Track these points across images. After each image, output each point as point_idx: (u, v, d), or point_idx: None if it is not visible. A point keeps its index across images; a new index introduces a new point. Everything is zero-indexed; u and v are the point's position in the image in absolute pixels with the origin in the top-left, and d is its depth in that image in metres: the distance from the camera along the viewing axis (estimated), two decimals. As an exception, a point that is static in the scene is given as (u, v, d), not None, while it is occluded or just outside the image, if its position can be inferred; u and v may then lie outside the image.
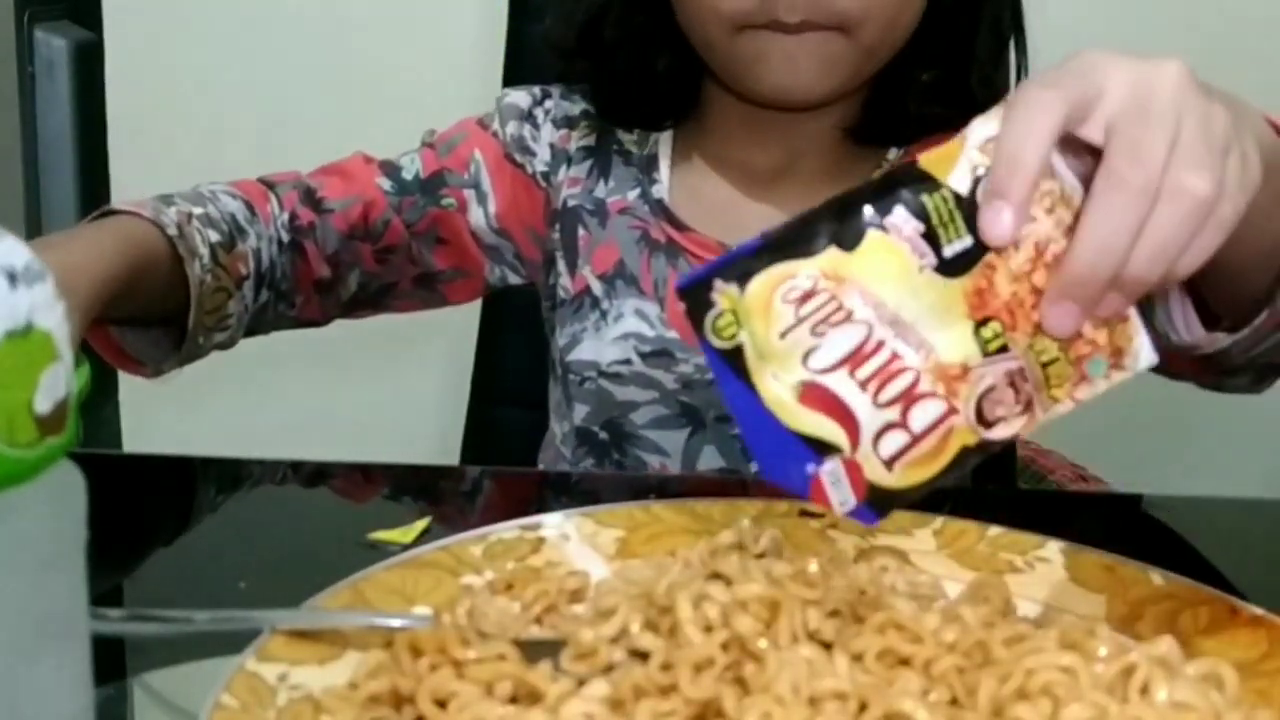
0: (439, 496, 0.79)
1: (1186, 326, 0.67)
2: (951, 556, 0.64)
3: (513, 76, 1.16)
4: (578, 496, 0.81)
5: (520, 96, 0.97)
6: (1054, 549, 0.64)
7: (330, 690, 0.50)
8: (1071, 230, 0.49)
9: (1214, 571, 0.64)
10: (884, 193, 0.48)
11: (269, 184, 0.93)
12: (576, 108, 0.96)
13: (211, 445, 0.82)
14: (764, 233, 0.49)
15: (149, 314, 0.81)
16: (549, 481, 0.89)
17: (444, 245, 0.95)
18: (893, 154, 0.90)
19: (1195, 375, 0.75)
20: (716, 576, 0.55)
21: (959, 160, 0.48)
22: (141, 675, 0.55)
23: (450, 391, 1.36)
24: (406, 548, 0.64)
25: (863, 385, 0.49)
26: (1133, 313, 0.50)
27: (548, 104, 0.97)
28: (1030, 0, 0.92)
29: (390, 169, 0.95)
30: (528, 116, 0.96)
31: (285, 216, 0.91)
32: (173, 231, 0.78)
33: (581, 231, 0.94)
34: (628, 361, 0.91)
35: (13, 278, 0.34)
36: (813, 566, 0.54)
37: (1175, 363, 0.73)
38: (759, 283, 0.48)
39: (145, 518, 0.73)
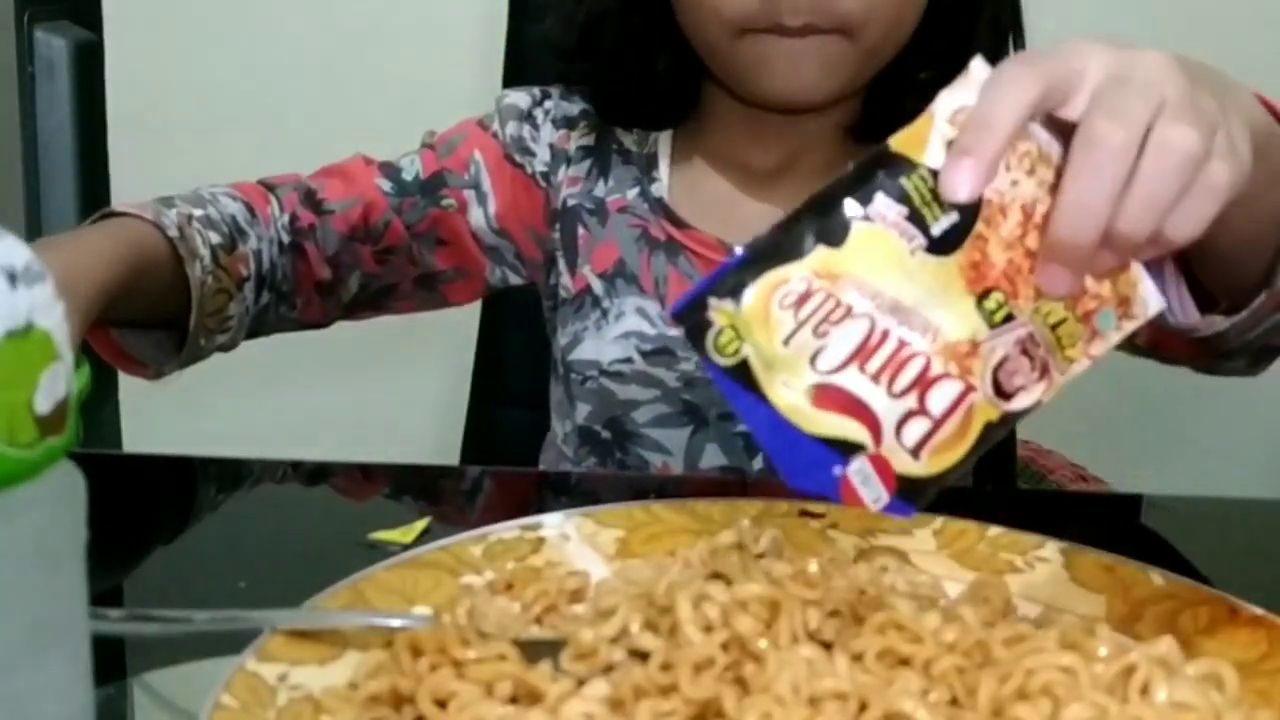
0: (439, 496, 0.79)
1: (1182, 309, 0.67)
2: (951, 556, 0.64)
3: (513, 77, 1.16)
4: (578, 496, 0.81)
5: (520, 97, 0.97)
6: (1054, 549, 0.64)
7: (330, 690, 0.50)
8: (1056, 188, 0.48)
9: (1214, 571, 0.64)
10: (861, 182, 0.48)
11: (269, 186, 0.93)
12: (576, 108, 0.96)
13: (211, 445, 0.82)
14: (748, 244, 0.48)
15: (150, 316, 0.81)
16: (549, 481, 0.89)
17: (444, 246, 0.95)
18: None
19: (1190, 359, 0.75)
20: (716, 576, 0.55)
21: (930, 137, 0.48)
22: (141, 675, 0.55)
23: (450, 391, 1.36)
24: (406, 548, 0.64)
25: (875, 378, 0.48)
26: (1133, 261, 0.49)
27: (547, 104, 0.97)
28: (1029, 1, 0.92)
29: (390, 170, 0.95)
30: (527, 117, 0.96)
31: (286, 218, 0.91)
32: (173, 233, 0.78)
33: (581, 231, 0.94)
34: (629, 360, 0.91)
35: (13, 278, 0.34)
36: (813, 566, 0.54)
37: (1171, 345, 0.74)
38: (753, 293, 0.48)
39: (145, 518, 0.73)
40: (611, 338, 0.92)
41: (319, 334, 0.99)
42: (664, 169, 0.94)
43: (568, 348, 0.94)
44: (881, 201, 0.48)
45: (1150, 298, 0.50)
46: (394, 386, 1.72)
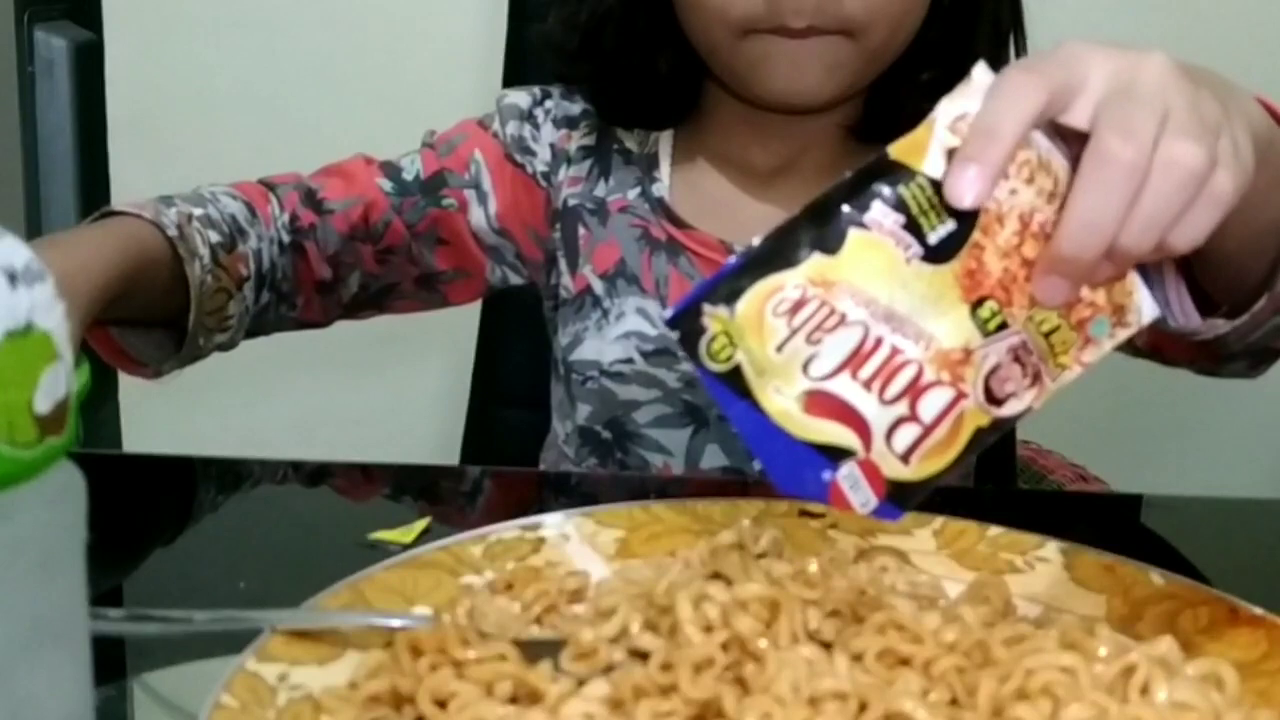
0: (439, 496, 0.79)
1: (1183, 313, 0.67)
2: (951, 556, 0.64)
3: (513, 76, 1.16)
4: (578, 497, 0.81)
5: (520, 97, 0.97)
6: (1054, 549, 0.64)
7: (330, 690, 0.50)
8: (1054, 196, 0.48)
9: (1214, 571, 0.64)
10: (859, 190, 0.48)
11: (269, 185, 0.93)
12: (576, 108, 0.96)
13: (211, 445, 0.82)
14: (744, 250, 0.48)
15: (150, 315, 0.81)
16: (549, 481, 0.89)
17: (445, 246, 0.95)
18: None
19: (1191, 361, 0.75)
20: (716, 576, 0.55)
21: (930, 145, 0.48)
22: (141, 675, 0.55)
23: (450, 391, 1.36)
24: (406, 548, 0.64)
25: (867, 385, 0.48)
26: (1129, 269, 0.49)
27: (548, 104, 0.97)
28: (1030, 1, 0.92)
29: (391, 170, 0.95)
30: (528, 117, 0.96)
31: (286, 218, 0.91)
32: (173, 232, 0.78)
33: (582, 231, 0.94)
34: (630, 360, 0.91)
35: (13, 278, 0.34)
36: (813, 566, 0.54)
37: (1172, 349, 0.74)
38: (747, 301, 0.48)
39: (145, 518, 0.73)
40: (612, 338, 0.92)
41: (318, 334, 0.99)
42: (665, 169, 0.94)
43: (568, 348, 0.94)
44: (879, 209, 0.48)
45: (1145, 305, 0.50)
46: (394, 386, 1.72)
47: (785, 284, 0.48)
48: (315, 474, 0.80)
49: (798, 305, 0.48)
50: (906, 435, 0.49)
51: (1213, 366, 0.74)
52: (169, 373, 0.84)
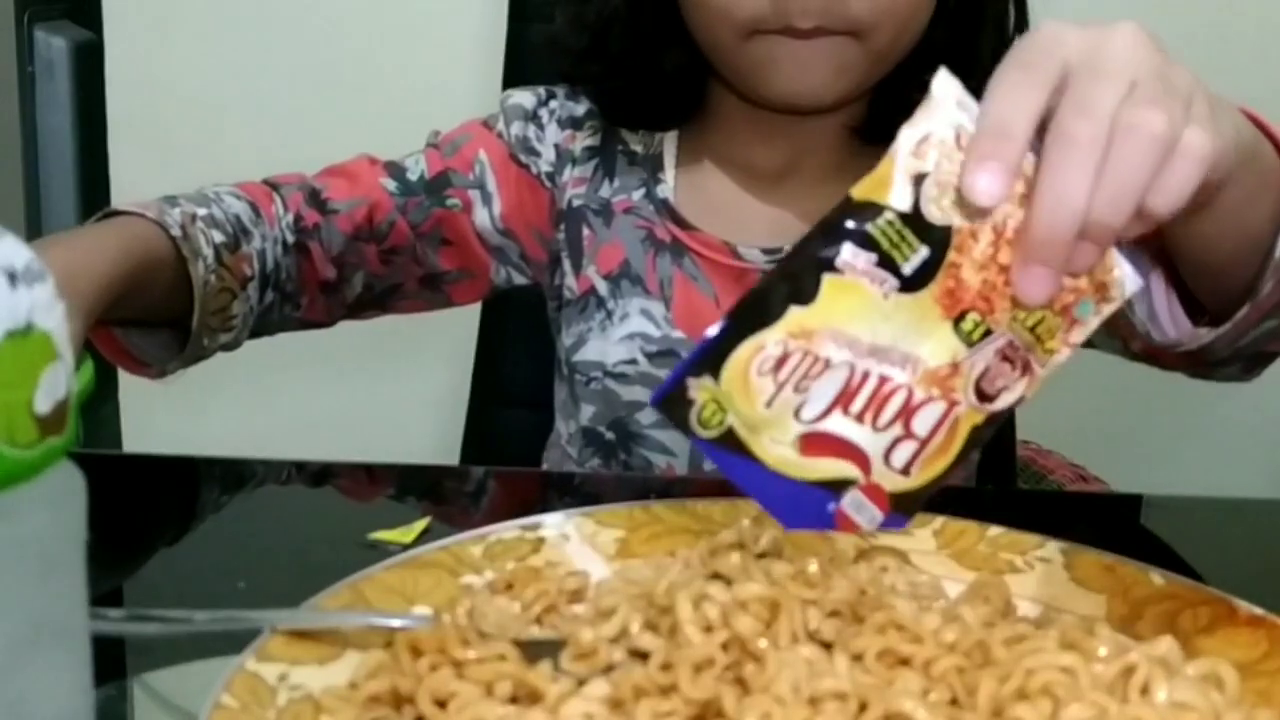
0: (440, 496, 0.79)
1: (1173, 321, 0.67)
2: (951, 556, 0.64)
3: (513, 77, 1.16)
4: (579, 497, 0.81)
5: (525, 97, 0.97)
6: (1054, 549, 0.64)
7: (330, 690, 0.50)
8: (1026, 199, 0.48)
9: (1214, 571, 0.64)
10: (828, 235, 0.48)
11: (273, 185, 0.93)
12: (581, 108, 0.96)
13: (211, 445, 0.82)
14: (722, 318, 0.48)
15: (153, 315, 0.81)
16: (550, 482, 0.89)
17: (449, 246, 0.95)
18: None
19: (1184, 367, 0.75)
20: (716, 576, 0.55)
21: (893, 178, 0.47)
22: (141, 675, 0.55)
23: (451, 391, 1.36)
24: (406, 548, 0.64)
25: (859, 418, 0.49)
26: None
27: (552, 104, 0.97)
28: (1036, 1, 0.92)
29: (395, 170, 0.95)
30: (532, 117, 0.96)
31: (290, 218, 0.91)
32: (176, 232, 0.78)
33: (586, 231, 0.94)
34: (634, 361, 0.91)
35: (13, 278, 0.34)
36: (813, 566, 0.54)
37: (1164, 355, 0.74)
38: (730, 367, 0.48)
39: (145, 518, 0.73)
40: (616, 339, 0.92)
41: (317, 334, 0.99)
42: (669, 170, 0.95)
43: (572, 348, 0.94)
44: (849, 251, 0.47)
45: (1127, 279, 0.49)
46: (394, 386, 1.72)
47: (766, 343, 0.48)
48: (315, 474, 0.80)
49: (781, 361, 0.48)
50: (905, 452, 0.50)
51: (1205, 372, 0.74)
52: (173, 373, 0.84)
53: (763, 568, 0.55)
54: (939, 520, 0.66)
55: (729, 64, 0.87)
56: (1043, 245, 0.47)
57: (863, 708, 0.46)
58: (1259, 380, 0.76)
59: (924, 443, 0.49)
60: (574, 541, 0.64)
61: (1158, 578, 0.61)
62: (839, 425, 0.49)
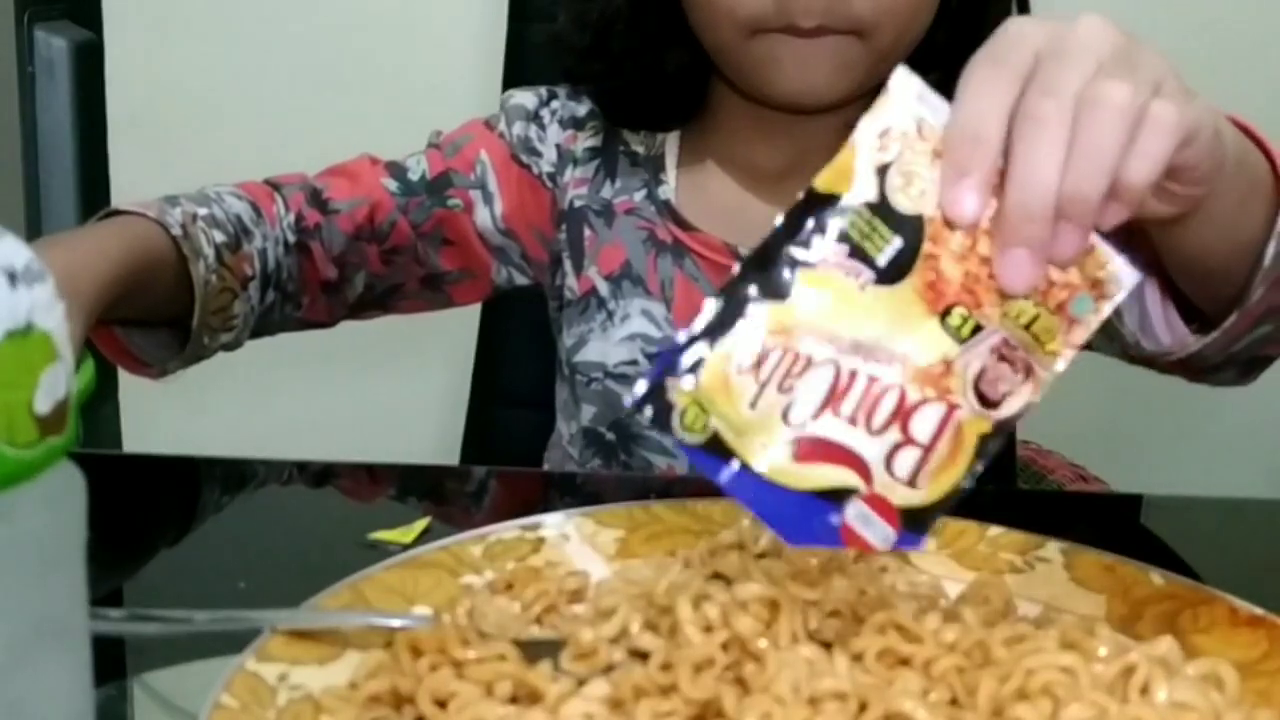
0: (440, 497, 0.79)
1: (1170, 328, 0.67)
2: (951, 556, 0.64)
3: (513, 77, 1.16)
4: (579, 497, 0.81)
5: (526, 97, 0.97)
6: (1054, 549, 0.64)
7: (330, 690, 0.50)
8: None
9: (1214, 571, 0.64)
10: (796, 230, 0.47)
11: (275, 185, 0.93)
12: (583, 108, 0.96)
13: (211, 445, 0.82)
14: (696, 319, 0.47)
15: (154, 315, 0.81)
16: (550, 482, 0.89)
17: (450, 246, 0.95)
18: None
19: (1180, 372, 0.75)
20: (716, 576, 0.55)
21: (855, 168, 0.47)
22: (141, 675, 0.55)
23: (451, 391, 1.36)
24: (406, 548, 0.64)
25: (851, 420, 0.47)
26: (1096, 239, 0.48)
27: (554, 104, 0.97)
28: (1037, 1, 0.92)
29: (396, 170, 0.95)
30: (534, 117, 0.96)
31: (291, 218, 0.91)
32: (177, 232, 0.78)
33: (588, 232, 0.94)
34: (634, 362, 0.91)
35: (13, 278, 0.34)
36: (813, 566, 0.54)
37: (1159, 361, 0.74)
38: (708, 367, 0.47)
39: (145, 518, 0.73)
40: (617, 340, 0.92)
41: (318, 333, 0.99)
42: (671, 171, 0.95)
43: (573, 349, 0.94)
44: (819, 244, 0.47)
45: (1123, 273, 0.48)
46: (394, 386, 1.72)
47: (743, 341, 0.47)
48: (315, 474, 0.80)
49: (760, 359, 0.47)
50: (907, 460, 0.48)
51: (1201, 377, 0.74)
52: (173, 372, 0.84)
53: (763, 568, 0.55)
54: (939, 521, 0.66)
55: (732, 63, 0.87)
56: (1019, 226, 0.46)
57: (863, 708, 0.46)
58: (1258, 381, 0.76)
59: (928, 450, 0.48)
60: (574, 541, 0.64)
61: (1158, 578, 0.61)
62: (832, 429, 0.47)
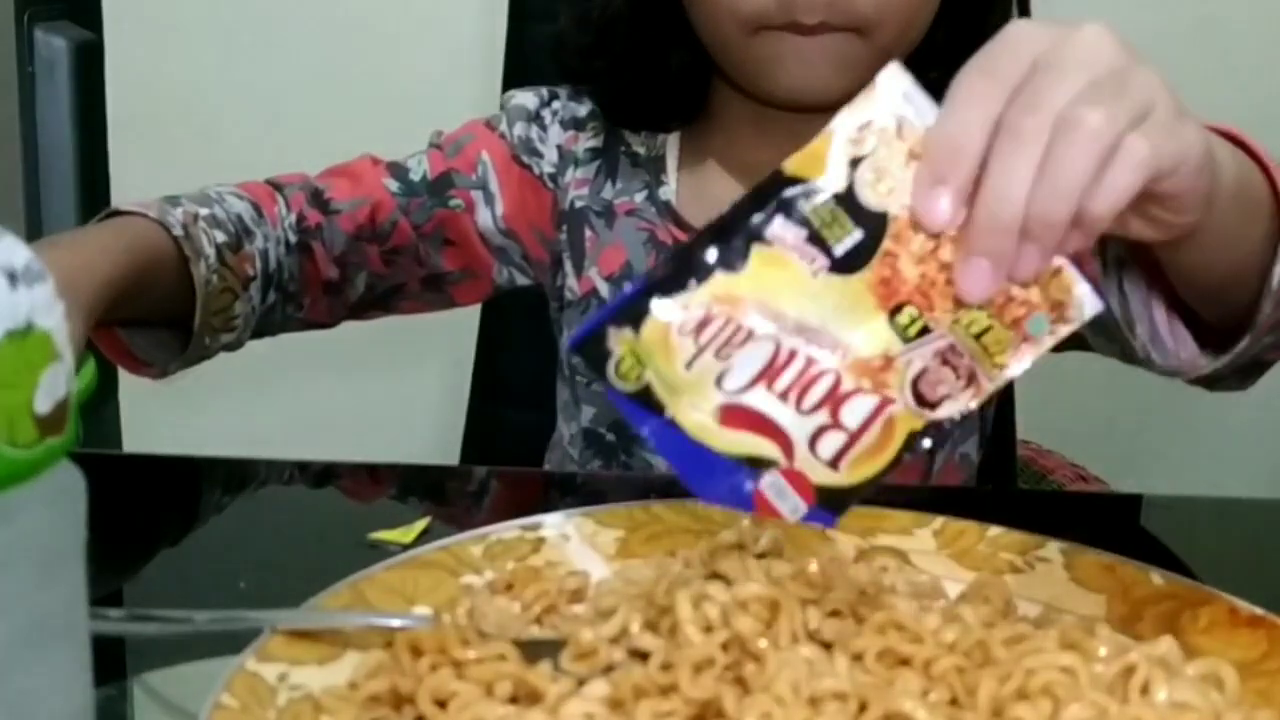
0: (440, 497, 0.79)
1: (1175, 339, 0.67)
2: (951, 556, 0.64)
3: (513, 77, 1.16)
4: (579, 497, 0.81)
5: (527, 98, 0.97)
6: (1054, 549, 0.64)
7: (330, 690, 0.50)
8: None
9: (1214, 571, 0.64)
10: (759, 206, 0.48)
11: (276, 185, 0.93)
12: (584, 109, 0.96)
13: (211, 445, 0.82)
14: (647, 273, 0.48)
15: (155, 315, 0.81)
16: (550, 482, 0.89)
17: (452, 246, 0.95)
18: None
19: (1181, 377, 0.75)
20: (716, 576, 0.55)
21: (829, 157, 0.47)
22: (141, 675, 0.55)
23: (451, 391, 1.36)
24: (406, 548, 0.64)
25: (783, 397, 0.48)
26: (1064, 263, 0.48)
27: (555, 105, 0.97)
28: (1038, 1, 0.92)
29: (397, 170, 0.95)
30: (535, 118, 0.96)
31: (292, 218, 0.91)
32: (178, 232, 0.78)
33: (588, 233, 0.94)
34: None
35: (13, 278, 0.34)
36: (813, 566, 0.54)
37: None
38: (651, 323, 0.48)
39: (145, 518, 0.73)
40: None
41: (319, 333, 0.99)
42: (672, 172, 0.95)
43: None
44: (779, 224, 0.47)
45: (1086, 301, 0.48)
46: (394, 386, 1.72)
47: (689, 303, 0.48)
48: (316, 474, 0.80)
49: (703, 323, 0.48)
50: (832, 442, 0.49)
51: (1199, 384, 0.74)
52: (174, 373, 0.84)
53: (763, 568, 0.55)
54: (939, 520, 0.66)
55: (733, 61, 0.87)
56: (986, 237, 0.46)
57: (863, 708, 0.46)
58: (1259, 382, 0.76)
59: (854, 436, 0.49)
60: (574, 541, 0.64)
61: (1158, 578, 0.61)
62: (761, 401, 0.48)
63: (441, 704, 0.48)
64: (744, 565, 0.56)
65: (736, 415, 0.48)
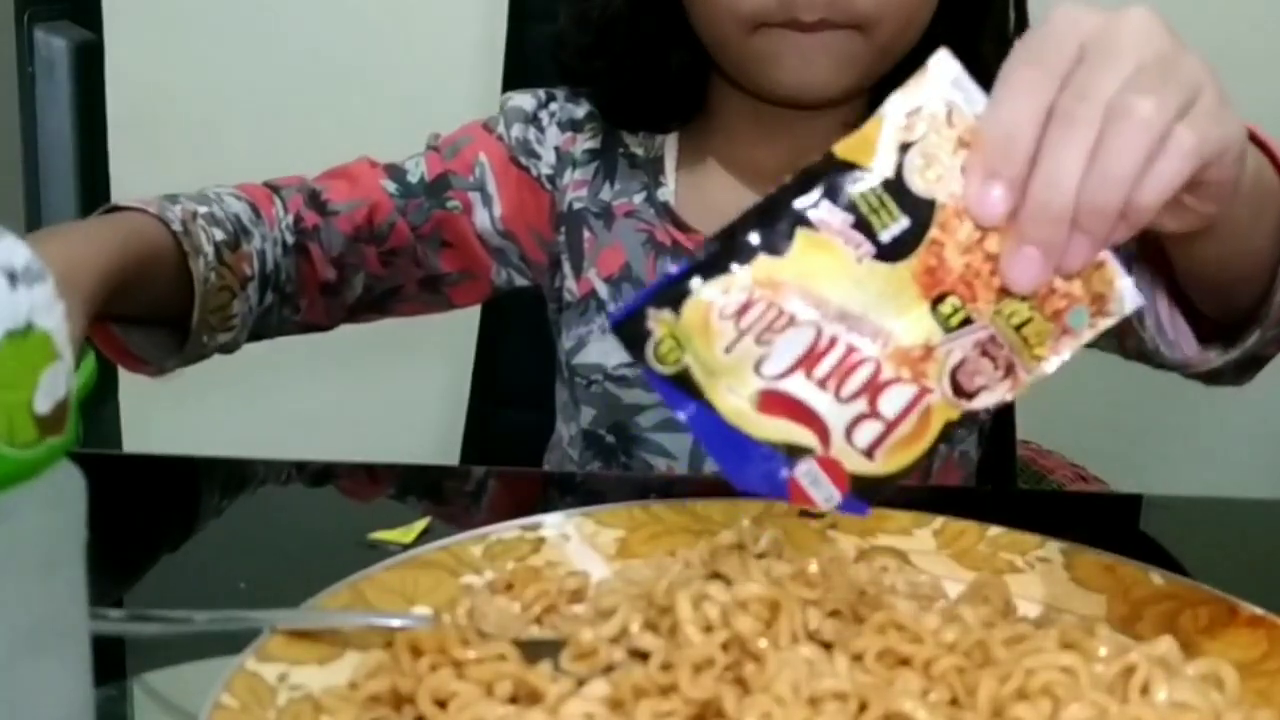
0: (440, 497, 0.79)
1: (1175, 330, 0.67)
2: (951, 556, 0.64)
3: (513, 78, 1.16)
4: (579, 497, 0.81)
5: (525, 99, 0.97)
6: (1054, 549, 0.64)
7: (330, 690, 0.50)
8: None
9: (1214, 571, 0.64)
10: (806, 190, 0.47)
11: (274, 187, 0.93)
12: (581, 110, 0.96)
13: (211, 445, 0.82)
14: (691, 255, 0.48)
15: (153, 312, 0.81)
16: (550, 482, 0.89)
17: (449, 248, 0.95)
18: None
19: (1179, 369, 0.75)
20: (716, 576, 0.55)
21: (879, 143, 0.47)
22: (141, 675, 0.55)
23: (451, 391, 1.36)
24: (406, 548, 0.64)
25: (822, 384, 0.48)
26: (1108, 256, 0.48)
27: (552, 106, 0.97)
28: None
29: (395, 172, 0.95)
30: (532, 119, 0.96)
31: (290, 219, 0.91)
32: (177, 227, 0.78)
33: (587, 234, 0.94)
34: (634, 364, 0.91)
35: (13, 278, 0.34)
36: (813, 566, 0.54)
37: (1154, 359, 0.74)
38: (692, 305, 0.47)
39: (145, 518, 0.73)
40: (616, 342, 0.92)
41: (317, 334, 0.99)
42: (670, 173, 0.95)
43: (573, 351, 0.94)
44: (826, 209, 0.47)
45: (1127, 295, 0.48)
46: (394, 386, 1.72)
47: (731, 286, 0.47)
48: (316, 474, 0.80)
49: (745, 307, 0.47)
50: (869, 431, 0.48)
51: (1198, 378, 0.74)
52: (171, 370, 0.84)
53: (763, 568, 0.55)
54: (939, 520, 0.66)
55: (733, 59, 0.87)
56: (1035, 225, 0.46)
57: (863, 708, 0.46)
58: (1259, 382, 0.76)
59: (891, 426, 0.48)
60: (574, 541, 0.64)
61: (1158, 578, 0.61)
62: (800, 388, 0.48)
63: (441, 704, 0.48)
64: (744, 565, 0.56)
65: (774, 401, 0.48)
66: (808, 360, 0.48)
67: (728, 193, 0.94)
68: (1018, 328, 0.48)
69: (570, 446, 0.96)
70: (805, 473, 0.48)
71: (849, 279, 0.47)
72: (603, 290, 0.93)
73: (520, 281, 0.99)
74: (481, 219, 0.95)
